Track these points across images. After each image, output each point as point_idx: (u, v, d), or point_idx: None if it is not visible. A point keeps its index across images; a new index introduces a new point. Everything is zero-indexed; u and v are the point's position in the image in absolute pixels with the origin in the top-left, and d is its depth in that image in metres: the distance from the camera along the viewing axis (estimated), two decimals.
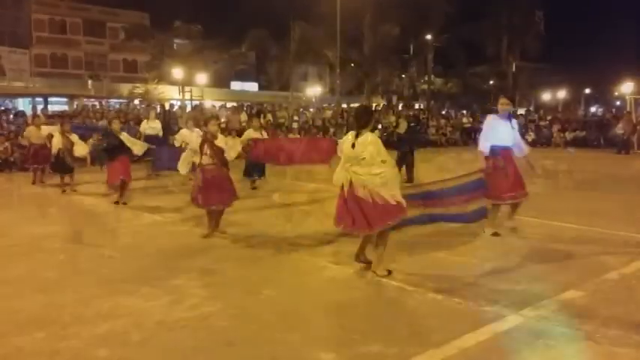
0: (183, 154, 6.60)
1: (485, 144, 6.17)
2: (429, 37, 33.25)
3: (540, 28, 34.14)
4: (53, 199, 9.53)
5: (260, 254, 5.58)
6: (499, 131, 6.19)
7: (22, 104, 24.39)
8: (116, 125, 8.93)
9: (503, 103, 6.25)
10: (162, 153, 10.83)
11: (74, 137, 10.12)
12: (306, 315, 3.96)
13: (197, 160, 6.27)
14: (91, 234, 6.60)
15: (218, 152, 6.18)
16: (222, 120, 18.38)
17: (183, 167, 6.64)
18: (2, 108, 17.70)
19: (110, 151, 8.67)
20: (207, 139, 6.19)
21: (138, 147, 9.10)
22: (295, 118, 21.24)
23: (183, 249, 5.85)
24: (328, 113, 23.00)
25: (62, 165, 9.99)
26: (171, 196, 9.35)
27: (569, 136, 22.69)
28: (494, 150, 6.16)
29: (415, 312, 3.97)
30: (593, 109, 40.13)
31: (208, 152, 6.12)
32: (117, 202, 8.49)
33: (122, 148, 8.63)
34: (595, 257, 5.37)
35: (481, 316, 3.85)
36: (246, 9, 31.11)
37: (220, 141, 6.31)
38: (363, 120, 4.70)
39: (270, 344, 3.44)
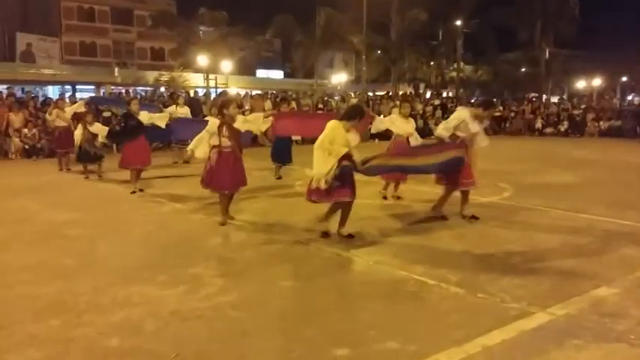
0: (199, 135, 6.28)
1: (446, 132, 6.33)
2: (458, 22, 32.45)
3: (575, 13, 32.87)
4: (76, 186, 9.66)
5: (278, 244, 5.48)
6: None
7: (52, 92, 24.86)
8: (134, 106, 8.63)
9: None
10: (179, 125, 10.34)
11: (97, 127, 10.17)
12: (322, 308, 3.84)
13: (214, 142, 6.08)
14: (110, 221, 6.61)
15: (236, 135, 6.11)
16: (247, 107, 18.34)
17: (200, 150, 6.24)
18: (33, 95, 17.94)
19: (127, 133, 8.44)
20: (226, 121, 6.07)
21: (160, 120, 8.86)
22: (320, 105, 21.04)
23: (202, 237, 5.80)
24: (354, 101, 22.72)
25: (86, 155, 10.24)
26: (192, 183, 9.29)
27: (603, 125, 21.90)
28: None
29: (436, 307, 3.82)
30: (629, 98, 38.68)
31: (227, 134, 6.01)
32: (134, 192, 8.37)
33: (140, 130, 8.44)
34: (628, 252, 5.10)
35: (506, 312, 3.67)
36: None
37: (239, 123, 6.20)
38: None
39: (285, 337, 3.34)
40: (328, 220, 5.65)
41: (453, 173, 6.19)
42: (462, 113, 6.33)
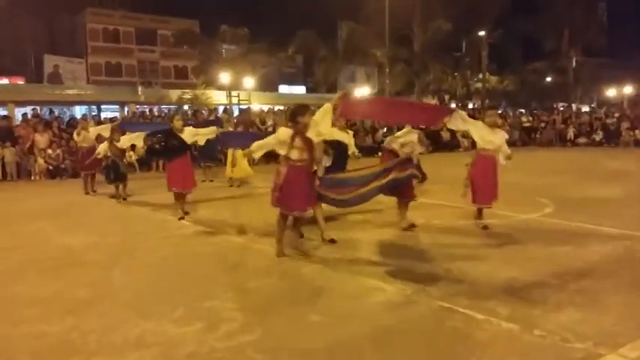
0: (265, 140, 5.49)
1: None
2: (482, 33, 31.88)
3: (603, 20, 32.03)
4: (97, 208, 9.41)
5: (305, 270, 5.05)
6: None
7: (79, 112, 25.12)
8: (177, 122, 7.78)
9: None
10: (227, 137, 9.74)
11: (124, 140, 9.37)
12: (355, 347, 3.39)
13: (283, 152, 5.27)
14: (130, 246, 6.27)
15: (310, 146, 5.28)
16: (269, 123, 18.09)
17: (258, 152, 5.49)
18: (57, 116, 18.05)
19: (168, 152, 7.76)
20: (299, 131, 5.18)
21: (204, 136, 8.02)
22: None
23: (223, 263, 5.42)
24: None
25: (115, 173, 9.70)
26: (216, 204, 9.03)
27: (639, 134, 21.03)
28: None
29: (488, 348, 3.33)
30: None
31: (299, 145, 5.20)
32: (181, 218, 7.61)
33: (182, 150, 7.68)
34: None
35: (571, 354, 3.17)
36: (293, 10, 30.94)
37: (312, 133, 5.28)
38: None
39: None
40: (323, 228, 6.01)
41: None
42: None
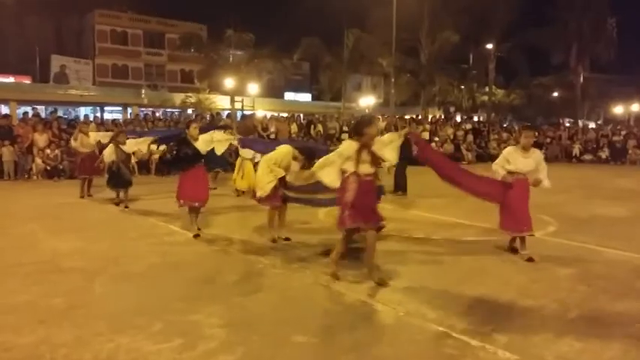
0: (329, 157, 4.99)
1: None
2: (489, 45, 31.70)
3: (613, 36, 31.76)
4: (90, 212, 9.17)
5: (295, 285, 4.83)
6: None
7: (84, 112, 25.02)
8: (194, 131, 6.88)
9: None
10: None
11: (131, 144, 8.93)
12: None
13: (349, 168, 4.83)
14: (116, 253, 6.06)
15: (377, 160, 4.95)
16: (272, 130, 17.92)
17: (326, 174, 4.99)
18: (58, 115, 17.91)
19: (181, 162, 6.94)
20: (366, 144, 4.84)
21: (221, 143, 7.50)
22: (345, 128, 20.48)
23: (211, 274, 5.20)
24: (382, 125, 22.10)
25: (119, 179, 9.20)
26: (215, 212, 8.67)
27: None
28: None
29: None
30: None
31: (367, 159, 4.83)
32: (197, 235, 6.80)
33: (195, 159, 6.86)
34: None
35: None
36: (300, 17, 30.88)
37: (378, 146, 4.95)
38: None
39: None
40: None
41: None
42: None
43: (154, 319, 3.92)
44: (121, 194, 9.44)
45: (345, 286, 4.72)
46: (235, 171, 10.57)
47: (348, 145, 4.91)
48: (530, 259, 5.61)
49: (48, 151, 14.38)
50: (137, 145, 8.71)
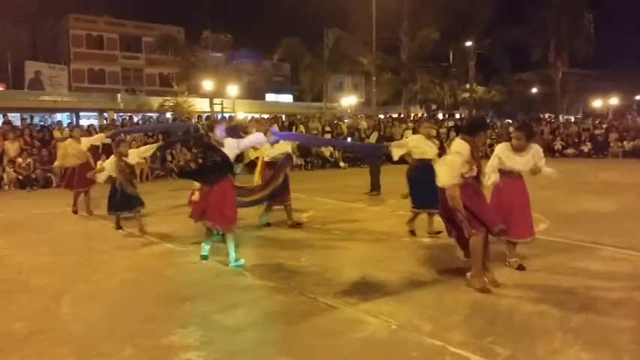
0: (451, 160, 4.59)
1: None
2: (469, 43, 31.70)
3: (590, 32, 31.97)
4: (61, 223, 8.62)
5: (279, 299, 4.49)
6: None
7: (61, 119, 24.30)
8: (219, 134, 5.54)
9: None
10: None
11: (134, 154, 7.54)
12: None
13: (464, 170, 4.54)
14: (87, 268, 5.64)
15: (479, 161, 4.71)
16: (253, 132, 17.51)
17: (448, 179, 4.53)
18: (29, 122, 17.29)
19: (207, 173, 5.40)
20: (476, 145, 4.62)
21: (252, 145, 6.41)
22: (327, 129, 20.21)
23: (189, 288, 4.85)
24: (364, 124, 21.87)
25: (123, 199, 7.29)
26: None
27: (627, 145, 20.81)
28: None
29: None
30: None
31: (477, 160, 4.63)
32: (205, 258, 5.66)
33: (224, 169, 5.45)
34: None
35: None
36: (279, 18, 30.55)
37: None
38: None
39: None
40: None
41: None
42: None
43: (123, 344, 3.56)
44: (127, 215, 7.49)
45: (331, 299, 4.40)
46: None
47: (463, 147, 4.55)
48: (520, 267, 5.15)
49: (20, 160, 13.81)
50: (141, 155, 7.66)
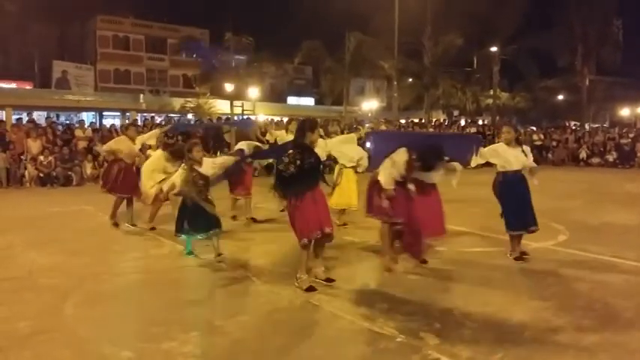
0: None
1: None
2: (494, 48, 31.25)
3: (619, 39, 31.24)
4: (76, 222, 8.65)
5: (284, 306, 4.40)
6: None
7: (87, 119, 24.69)
8: (316, 135, 4.93)
9: None
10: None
11: (209, 164, 5.88)
12: None
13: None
14: (96, 268, 5.65)
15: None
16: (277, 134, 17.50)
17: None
18: (51, 121, 17.55)
19: (301, 179, 4.72)
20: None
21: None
22: (346, 132, 20.08)
23: (194, 293, 4.83)
24: (383, 128, 21.68)
25: (198, 218, 5.68)
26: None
27: None
28: None
29: None
30: None
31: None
32: (311, 289, 4.75)
33: (316, 175, 4.89)
34: None
35: None
36: (301, 21, 30.56)
37: None
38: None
39: None
40: None
41: None
42: None
43: (123, 348, 3.52)
44: (201, 238, 5.84)
45: (338, 307, 4.30)
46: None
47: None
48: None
49: (41, 157, 14.04)
50: (218, 166, 5.98)
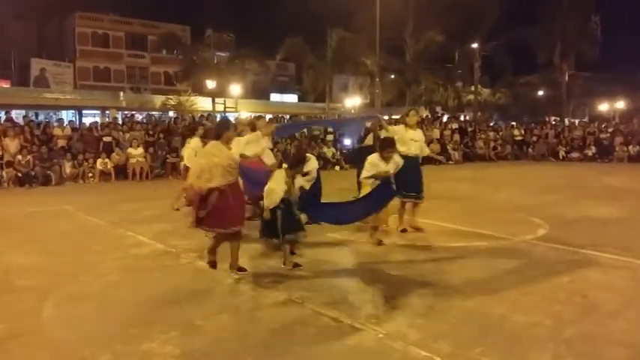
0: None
1: None
2: (475, 45, 31.48)
3: (597, 34, 31.66)
4: (55, 221, 8.52)
5: (266, 304, 4.39)
6: None
7: (66, 117, 24.28)
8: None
9: None
10: None
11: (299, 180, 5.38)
12: None
13: None
14: (75, 269, 5.55)
15: None
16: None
17: None
18: (29, 119, 17.17)
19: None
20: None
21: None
22: (330, 129, 20.08)
23: (175, 292, 4.74)
24: (367, 124, 21.72)
25: (290, 221, 5.25)
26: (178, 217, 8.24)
27: (633, 150, 20.58)
28: None
29: None
30: None
31: None
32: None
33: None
34: None
35: None
36: (282, 17, 30.45)
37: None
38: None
39: None
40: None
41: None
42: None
43: (101, 350, 3.47)
44: (288, 239, 5.35)
45: (319, 305, 4.29)
46: None
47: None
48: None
49: (19, 157, 13.78)
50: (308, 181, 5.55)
